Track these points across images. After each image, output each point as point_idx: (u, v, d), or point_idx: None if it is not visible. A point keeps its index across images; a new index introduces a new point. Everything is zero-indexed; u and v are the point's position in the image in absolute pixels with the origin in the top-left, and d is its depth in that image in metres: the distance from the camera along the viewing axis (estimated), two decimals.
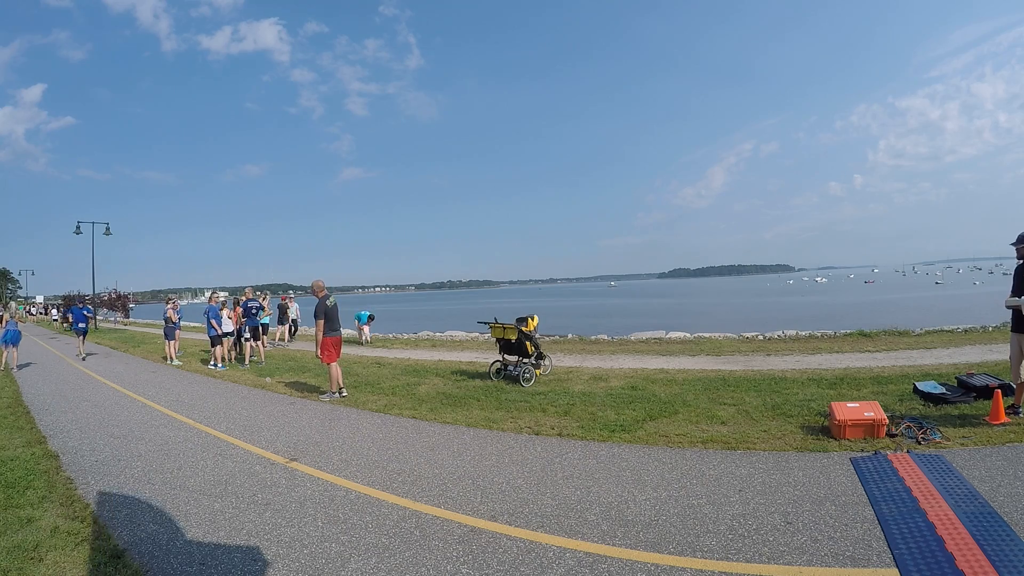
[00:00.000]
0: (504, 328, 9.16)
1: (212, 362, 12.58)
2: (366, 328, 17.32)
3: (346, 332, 19.97)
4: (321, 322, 8.20)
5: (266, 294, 18.01)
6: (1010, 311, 5.57)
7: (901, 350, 9.89)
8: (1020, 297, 5.42)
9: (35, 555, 3.41)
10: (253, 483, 4.71)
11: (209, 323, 12.64)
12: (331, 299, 8.37)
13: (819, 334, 13.24)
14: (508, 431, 6.05)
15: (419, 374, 10.20)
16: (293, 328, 18.61)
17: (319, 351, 8.32)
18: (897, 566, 2.90)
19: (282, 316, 17.95)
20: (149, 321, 38.68)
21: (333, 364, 8.34)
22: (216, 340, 12.63)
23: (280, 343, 17.18)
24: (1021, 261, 5.53)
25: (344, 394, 8.39)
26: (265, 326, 15.39)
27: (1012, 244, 5.54)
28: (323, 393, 8.63)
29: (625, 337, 15.55)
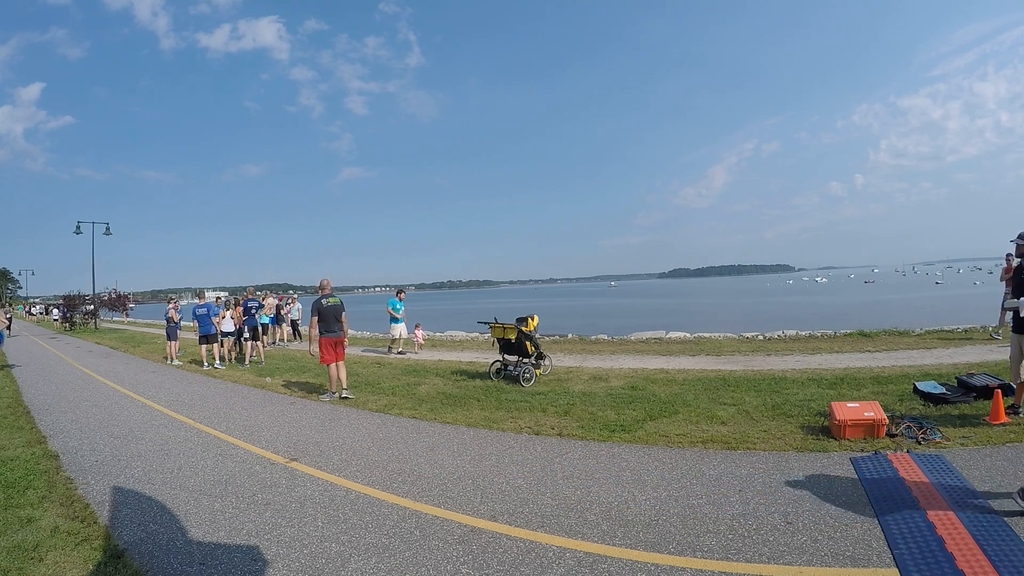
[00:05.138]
0: (504, 328, 9.16)
1: (205, 363, 12.59)
2: (417, 332, 14.53)
3: (363, 334, 19.88)
4: (314, 319, 8.24)
5: (266, 294, 18.01)
6: (1012, 312, 5.57)
7: (901, 350, 9.89)
8: (1019, 299, 5.41)
9: (35, 555, 3.41)
10: (253, 483, 4.71)
11: (207, 321, 12.65)
12: (329, 299, 8.34)
13: (819, 334, 13.23)
14: (508, 431, 6.05)
15: (419, 374, 10.20)
16: (294, 329, 18.58)
17: (310, 349, 8.40)
18: (897, 566, 2.90)
19: (277, 316, 17.95)
20: (149, 321, 38.70)
21: (331, 365, 8.32)
22: (207, 340, 12.61)
23: (280, 343, 17.17)
24: (1020, 260, 5.53)
25: (346, 396, 8.23)
26: (265, 326, 15.39)
27: (1012, 240, 5.53)
28: (323, 393, 8.62)
29: (625, 337, 15.55)
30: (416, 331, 14.58)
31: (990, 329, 10.94)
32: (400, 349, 13.58)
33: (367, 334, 20.61)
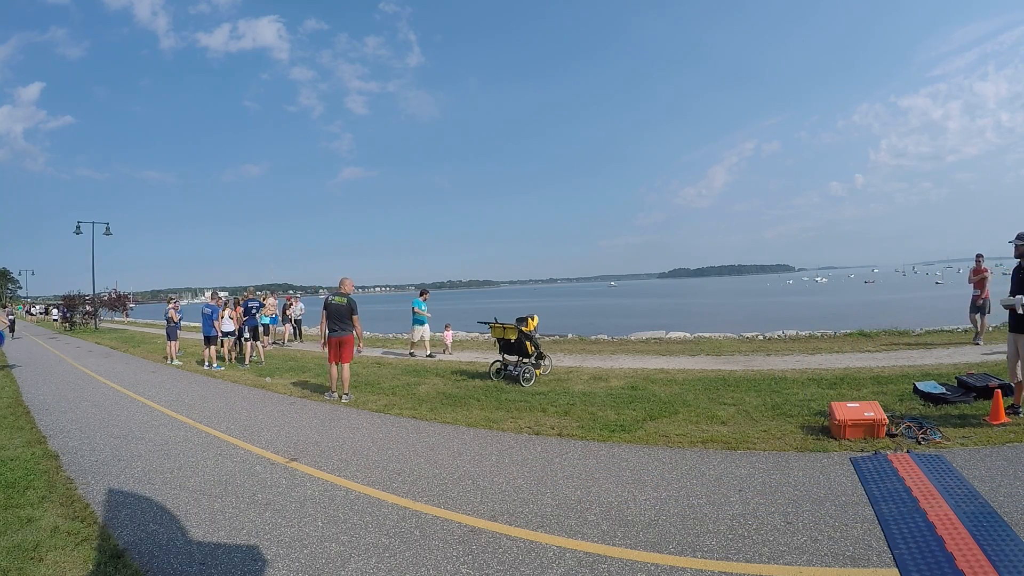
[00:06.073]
0: (504, 328, 9.16)
1: (207, 363, 12.57)
2: (447, 333, 14.01)
3: (372, 335, 19.76)
4: (323, 315, 8.27)
5: (266, 294, 18.00)
6: (1008, 311, 5.57)
7: (901, 350, 9.90)
8: (1015, 297, 5.42)
9: (35, 555, 3.41)
10: (253, 483, 4.71)
11: (209, 323, 12.66)
12: (335, 297, 8.27)
13: (819, 334, 13.24)
14: (508, 431, 6.05)
15: (419, 374, 10.20)
16: (296, 329, 18.58)
17: (320, 344, 8.40)
18: (897, 566, 2.90)
19: (283, 315, 17.99)
20: (149, 321, 38.71)
21: (332, 365, 8.32)
22: (208, 341, 12.63)
23: (278, 343, 17.17)
24: (1019, 260, 5.54)
25: (346, 399, 8.13)
26: (267, 326, 15.37)
27: (1011, 241, 5.55)
28: (324, 392, 8.61)
29: (625, 337, 15.55)
30: (446, 332, 14.03)
31: (973, 335, 10.51)
32: (428, 352, 12.99)
33: (367, 334, 20.62)
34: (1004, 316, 6.07)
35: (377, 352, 14.28)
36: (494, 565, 3.14)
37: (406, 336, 19.12)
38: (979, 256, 11.12)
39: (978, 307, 10.53)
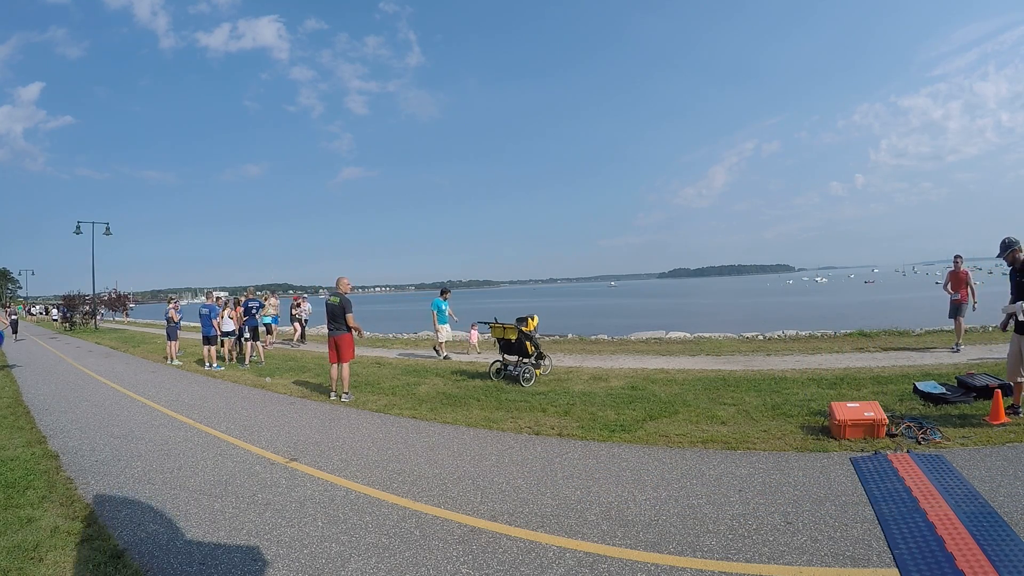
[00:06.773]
0: (504, 328, 9.16)
1: (207, 363, 12.56)
2: (472, 333, 13.76)
3: (372, 335, 19.77)
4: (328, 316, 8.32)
5: (267, 294, 17.98)
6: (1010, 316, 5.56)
7: (901, 350, 9.90)
8: (1015, 304, 5.42)
9: (35, 555, 3.41)
10: (253, 483, 4.71)
11: (209, 323, 12.66)
12: (330, 297, 8.30)
13: (819, 334, 13.24)
14: (508, 431, 6.05)
15: (419, 374, 10.20)
16: (301, 329, 18.54)
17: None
18: (897, 566, 2.90)
19: (290, 316, 17.99)
20: (149, 321, 38.71)
21: (333, 365, 8.33)
22: (208, 340, 12.62)
23: (274, 344, 17.14)
24: (1012, 267, 5.54)
25: (346, 399, 8.12)
26: (268, 325, 15.33)
27: (998, 256, 5.57)
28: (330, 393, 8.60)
29: (625, 337, 15.55)
30: (472, 331, 13.75)
31: (957, 341, 9.92)
32: (445, 354, 12.68)
33: (367, 334, 20.60)
34: (996, 317, 6.05)
35: (379, 352, 14.28)
36: (494, 565, 3.14)
37: (407, 336, 19.18)
38: (958, 257, 10.66)
39: (957, 310, 10.09)
